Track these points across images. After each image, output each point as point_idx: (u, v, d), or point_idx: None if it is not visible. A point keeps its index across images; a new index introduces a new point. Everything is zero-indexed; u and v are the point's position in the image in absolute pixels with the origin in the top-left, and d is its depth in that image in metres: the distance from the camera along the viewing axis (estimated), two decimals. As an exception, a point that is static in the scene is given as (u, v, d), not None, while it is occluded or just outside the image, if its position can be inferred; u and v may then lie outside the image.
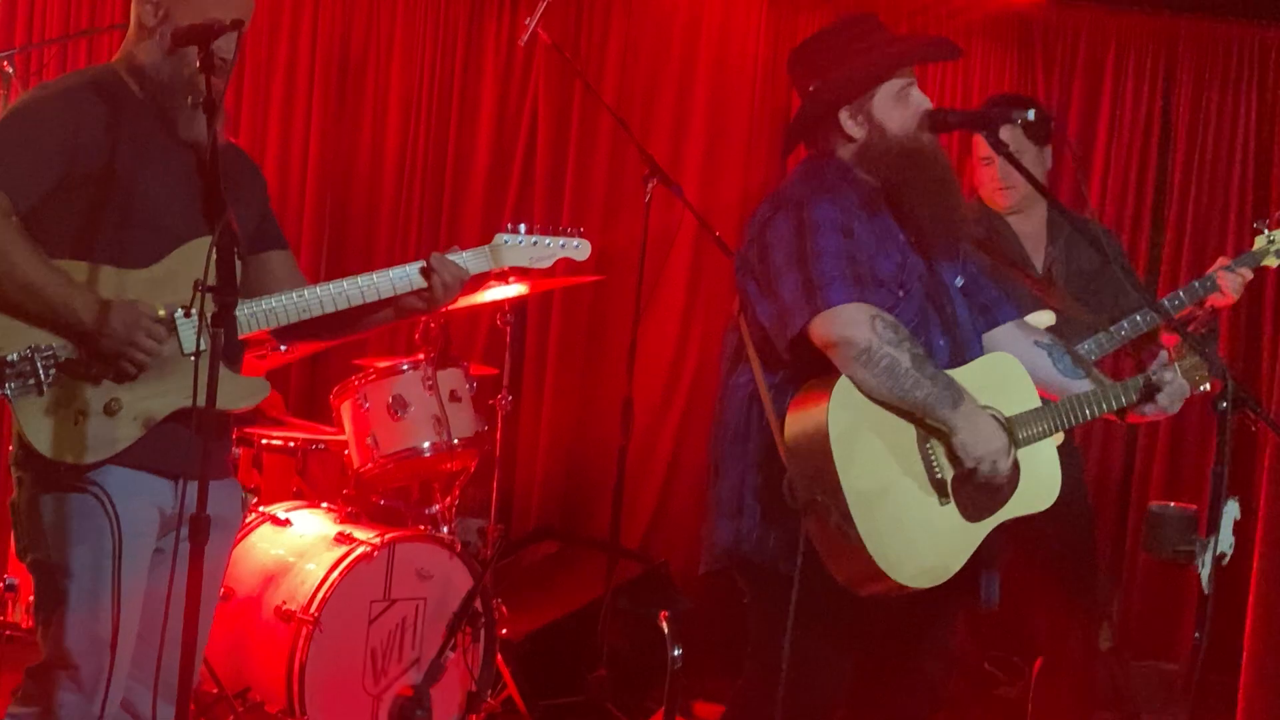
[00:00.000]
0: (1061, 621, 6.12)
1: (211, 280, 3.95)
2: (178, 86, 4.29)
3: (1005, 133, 6.09)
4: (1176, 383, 4.62)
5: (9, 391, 4.05)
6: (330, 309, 4.39)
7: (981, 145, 6.20)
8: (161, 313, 4.14)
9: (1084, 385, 4.66)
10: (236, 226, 4.24)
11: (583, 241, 4.75)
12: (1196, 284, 5.94)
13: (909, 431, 4.33)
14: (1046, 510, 4.58)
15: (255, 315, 4.30)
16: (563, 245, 4.72)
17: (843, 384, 4.26)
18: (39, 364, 4.06)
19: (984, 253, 5.79)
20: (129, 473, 4.18)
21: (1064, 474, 4.66)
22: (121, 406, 4.13)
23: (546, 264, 4.70)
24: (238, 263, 4.22)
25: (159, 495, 4.26)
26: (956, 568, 4.35)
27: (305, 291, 4.36)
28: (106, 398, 4.12)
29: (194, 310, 4.09)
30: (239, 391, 4.30)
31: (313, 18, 8.50)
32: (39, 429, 4.08)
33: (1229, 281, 5.90)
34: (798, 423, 4.31)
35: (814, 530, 4.23)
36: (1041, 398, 4.61)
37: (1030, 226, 6.18)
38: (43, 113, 4.22)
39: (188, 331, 4.19)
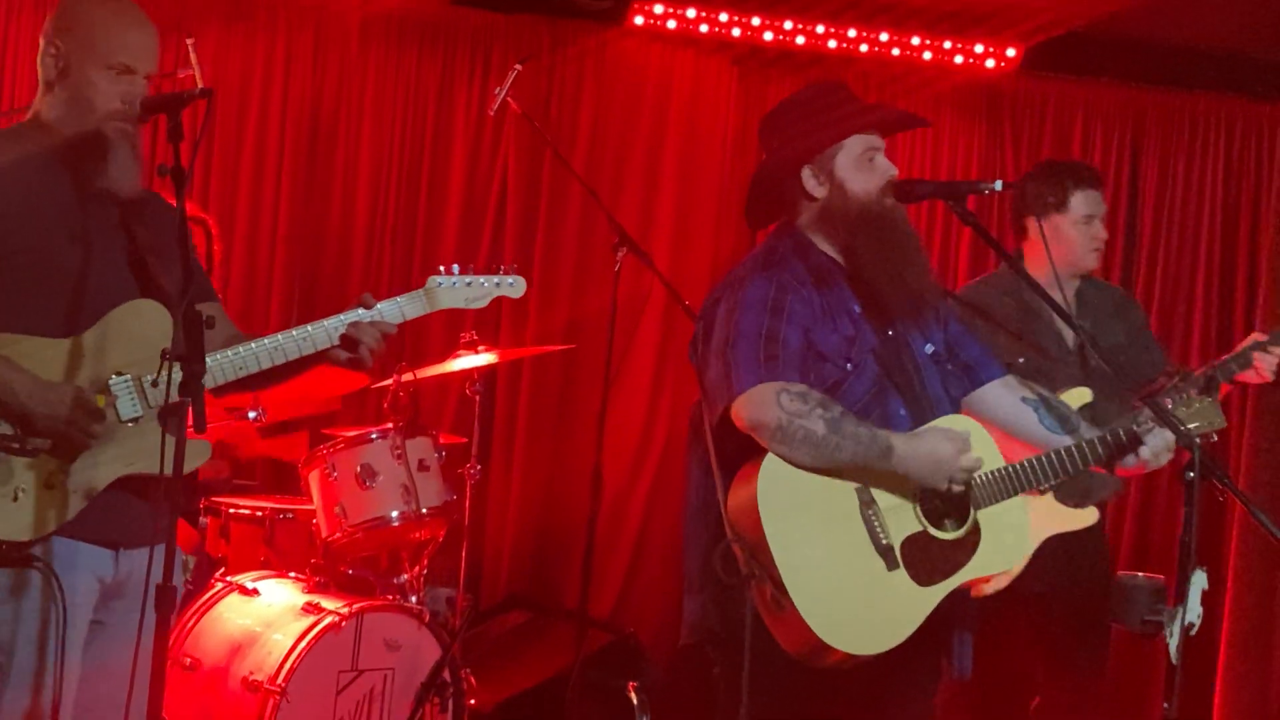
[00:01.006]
0: (1063, 687, 6.09)
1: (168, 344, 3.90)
2: (84, 138, 4.21)
3: (1097, 198, 6.10)
4: (1162, 434, 4.61)
5: None
6: (267, 364, 4.29)
7: (1084, 204, 6.14)
8: (101, 402, 4.06)
9: (1070, 442, 4.65)
10: (165, 283, 4.21)
11: (517, 279, 4.68)
12: (1230, 361, 5.95)
13: (850, 500, 4.33)
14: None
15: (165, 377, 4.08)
16: (497, 284, 4.64)
17: (771, 459, 4.28)
18: None
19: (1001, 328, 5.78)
20: (70, 544, 4.10)
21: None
22: (61, 480, 4.05)
23: (482, 304, 4.62)
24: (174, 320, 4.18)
25: (100, 565, 4.19)
26: (907, 634, 4.32)
27: (241, 348, 4.26)
28: (45, 471, 4.04)
29: (158, 377, 4.02)
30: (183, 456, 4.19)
31: (283, 86, 8.50)
32: None
33: (1266, 362, 5.91)
34: (736, 497, 4.33)
35: (758, 603, 4.23)
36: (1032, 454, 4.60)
37: (1061, 300, 6.14)
38: None
39: (126, 399, 4.11)
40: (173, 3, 8.16)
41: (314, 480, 6.70)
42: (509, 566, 8.73)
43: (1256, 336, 5.94)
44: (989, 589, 5.41)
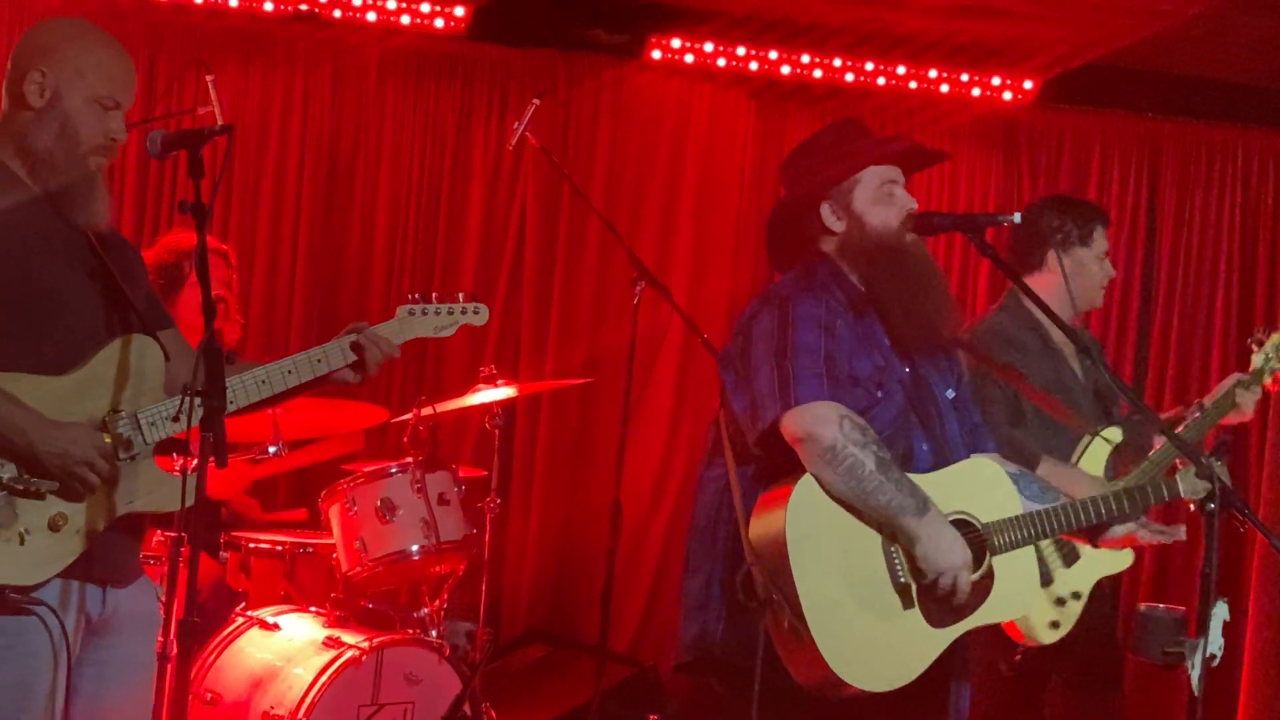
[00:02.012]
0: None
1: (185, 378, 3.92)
2: (72, 168, 4.15)
3: (1106, 236, 6.10)
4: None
5: None
6: (266, 394, 4.29)
7: (1103, 240, 6.13)
8: (107, 440, 4.03)
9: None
10: (140, 308, 4.21)
11: (481, 307, 4.74)
12: (1222, 399, 5.95)
13: (873, 535, 4.31)
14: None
15: (186, 412, 4.02)
16: (463, 312, 4.70)
17: (806, 483, 4.25)
18: None
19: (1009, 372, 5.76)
20: (67, 584, 4.05)
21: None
22: (66, 520, 3.99)
23: (449, 332, 4.66)
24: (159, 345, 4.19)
25: (90, 604, 4.13)
26: (917, 673, 4.31)
27: (233, 380, 4.20)
28: (50, 513, 3.97)
29: (181, 413, 3.98)
30: (172, 492, 4.15)
31: (301, 121, 8.53)
32: None
33: (1246, 400, 5.94)
34: (761, 521, 4.30)
35: (771, 629, 4.21)
36: None
37: (1059, 336, 6.14)
38: None
39: (125, 435, 4.07)
40: (192, 40, 8.21)
41: (334, 514, 6.70)
42: (528, 600, 8.74)
43: (1240, 376, 5.95)
44: (1045, 640, 5.45)
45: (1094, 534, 4.69)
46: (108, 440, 4.03)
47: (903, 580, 4.30)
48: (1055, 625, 5.58)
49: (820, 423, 4.25)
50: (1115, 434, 5.70)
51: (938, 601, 4.34)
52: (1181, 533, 4.95)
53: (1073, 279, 6.01)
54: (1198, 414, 5.96)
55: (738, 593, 4.22)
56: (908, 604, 4.30)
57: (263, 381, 4.28)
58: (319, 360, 4.37)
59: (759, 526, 4.29)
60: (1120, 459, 5.70)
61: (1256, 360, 6.00)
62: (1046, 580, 5.53)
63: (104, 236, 4.25)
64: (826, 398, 4.28)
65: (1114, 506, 4.62)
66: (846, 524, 4.27)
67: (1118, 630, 6.30)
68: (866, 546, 4.29)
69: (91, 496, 4.02)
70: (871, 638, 4.25)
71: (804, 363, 4.33)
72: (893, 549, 4.31)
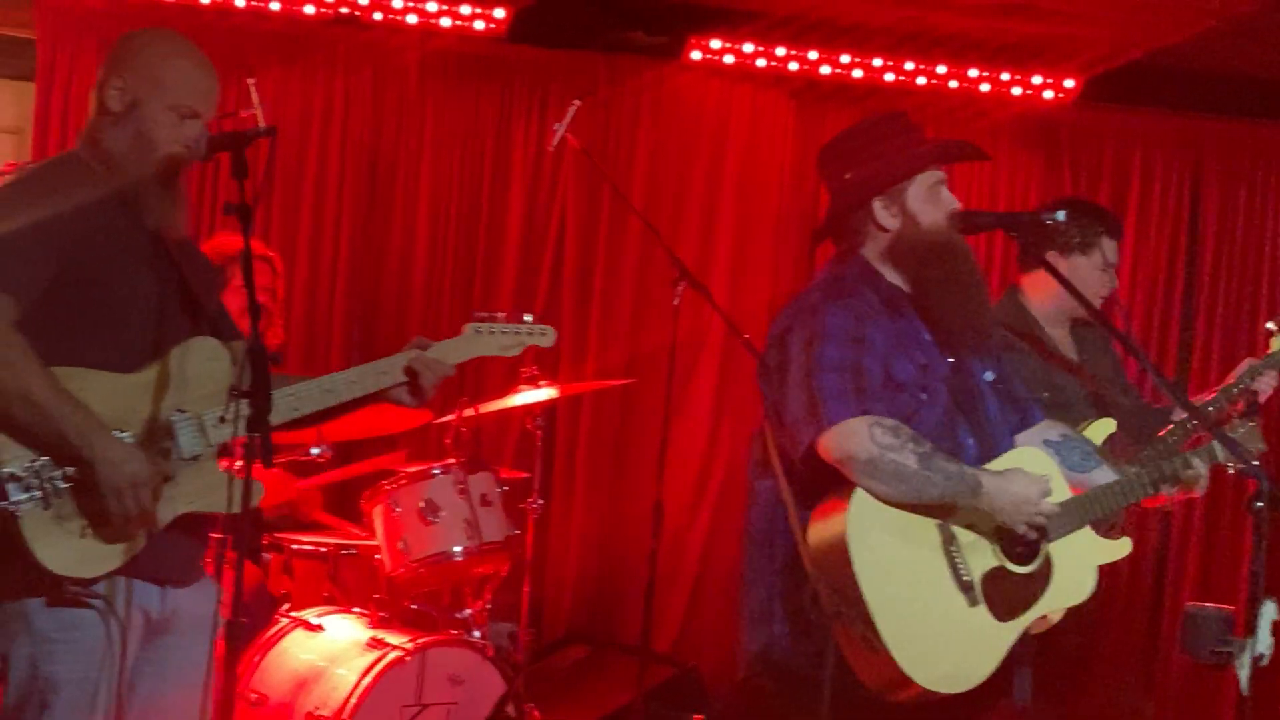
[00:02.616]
0: None
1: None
2: (145, 174, 4.21)
3: (1116, 249, 6.07)
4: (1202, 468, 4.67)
5: (16, 506, 3.90)
6: (319, 406, 4.33)
7: (1109, 251, 6.09)
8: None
9: (1096, 478, 4.67)
10: (211, 315, 4.29)
11: (548, 329, 4.78)
12: (1233, 388, 5.92)
13: (932, 536, 4.31)
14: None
15: (233, 414, 4.03)
16: (529, 333, 4.73)
17: (860, 495, 4.24)
18: (46, 476, 3.95)
19: (1039, 354, 5.75)
20: (124, 581, 4.09)
21: None
22: None
23: (515, 352, 4.71)
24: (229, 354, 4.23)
25: (148, 601, 4.17)
26: (989, 670, 4.31)
27: (297, 388, 4.27)
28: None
29: (226, 413, 4.01)
30: (225, 495, 4.12)
31: (342, 124, 8.55)
32: (47, 543, 3.94)
33: (1263, 384, 5.89)
34: (819, 534, 4.29)
35: (841, 638, 4.20)
36: None
37: (1059, 333, 6.12)
38: (31, 206, 4.09)
39: (187, 435, 4.12)
40: (233, 43, 8.22)
41: (377, 515, 6.71)
42: (571, 601, 8.74)
43: (1251, 362, 5.92)
44: (1032, 631, 5.42)
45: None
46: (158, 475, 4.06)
47: (965, 578, 4.29)
48: (1043, 616, 5.54)
49: (852, 440, 4.23)
50: (1109, 424, 5.68)
51: (1004, 594, 4.35)
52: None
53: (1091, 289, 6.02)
54: (1220, 402, 5.94)
55: (805, 608, 4.22)
56: (973, 601, 4.30)
57: (327, 390, 4.33)
58: (383, 373, 4.41)
59: (818, 540, 4.28)
60: (1116, 447, 5.69)
61: (1275, 344, 5.96)
62: None
63: (181, 244, 4.31)
64: (856, 413, 4.25)
65: (1153, 479, 4.63)
66: (905, 529, 4.27)
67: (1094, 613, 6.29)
68: (927, 549, 4.29)
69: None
70: (943, 640, 4.26)
71: (830, 381, 4.30)
72: (953, 547, 4.30)
